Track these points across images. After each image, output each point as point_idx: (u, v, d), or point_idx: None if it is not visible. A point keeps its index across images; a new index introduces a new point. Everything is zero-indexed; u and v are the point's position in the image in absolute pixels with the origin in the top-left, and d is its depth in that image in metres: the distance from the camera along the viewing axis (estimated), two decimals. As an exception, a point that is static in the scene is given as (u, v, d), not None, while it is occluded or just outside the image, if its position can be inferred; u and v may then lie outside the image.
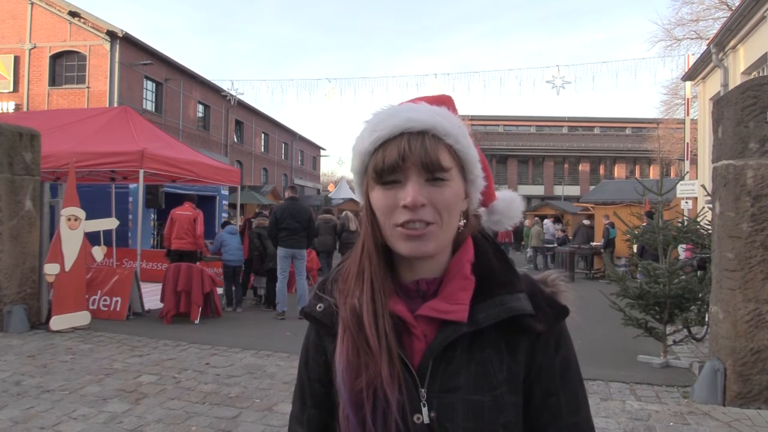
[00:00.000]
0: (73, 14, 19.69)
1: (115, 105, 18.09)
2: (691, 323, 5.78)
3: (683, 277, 5.72)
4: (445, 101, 0.84)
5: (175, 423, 3.76)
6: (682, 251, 8.77)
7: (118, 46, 19.63)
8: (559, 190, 42.77)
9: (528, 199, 38.36)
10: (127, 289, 7.30)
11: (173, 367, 5.10)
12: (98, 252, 7.11)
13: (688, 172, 11.54)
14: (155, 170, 8.39)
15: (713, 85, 12.23)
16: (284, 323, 7.46)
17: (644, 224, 8.08)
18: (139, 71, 21.16)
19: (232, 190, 15.40)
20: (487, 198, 0.90)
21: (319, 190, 46.52)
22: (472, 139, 0.83)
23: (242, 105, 28.82)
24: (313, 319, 0.86)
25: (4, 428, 3.59)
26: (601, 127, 45.28)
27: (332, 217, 11.69)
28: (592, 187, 28.83)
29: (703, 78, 13.07)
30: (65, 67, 20.11)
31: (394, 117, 0.78)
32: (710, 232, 5.45)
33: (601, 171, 44.97)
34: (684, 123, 14.27)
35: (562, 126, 45.77)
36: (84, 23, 19.73)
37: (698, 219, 6.52)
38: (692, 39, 21.23)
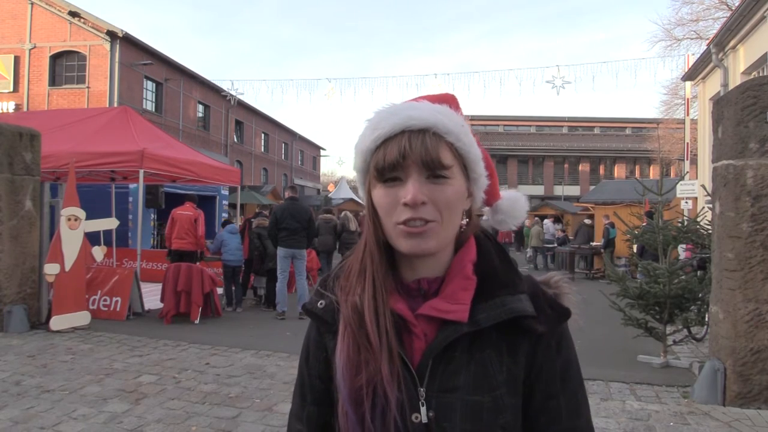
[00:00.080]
0: (73, 14, 19.69)
1: (115, 105, 18.09)
2: (691, 323, 5.77)
3: (683, 277, 5.72)
4: (447, 100, 0.84)
5: (175, 423, 3.76)
6: (682, 251, 8.77)
7: (118, 46, 19.63)
8: (559, 190, 42.75)
9: (528, 199, 38.27)
10: (127, 289, 7.30)
11: (173, 367, 5.10)
12: (98, 252, 7.11)
13: (688, 172, 11.54)
14: (155, 170, 8.39)
15: (713, 85, 12.23)
16: (284, 323, 7.46)
17: (644, 224, 8.08)
18: (139, 71, 21.16)
19: (232, 190, 15.40)
20: (492, 197, 0.90)
21: (319, 190, 46.52)
22: (476, 138, 0.83)
23: (242, 105, 28.81)
24: (315, 316, 0.86)
25: (4, 428, 3.59)
26: (601, 127, 45.27)
27: (333, 217, 11.69)
28: (592, 187, 28.82)
29: (703, 78, 13.06)
30: (65, 67, 20.12)
31: (395, 115, 0.78)
32: (710, 232, 5.45)
33: (601, 171, 44.96)
34: (684, 123, 14.27)
35: (562, 126, 45.76)
36: (84, 23, 19.74)
37: (698, 219, 6.53)
38: (692, 39, 21.25)
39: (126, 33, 19.57)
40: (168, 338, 6.23)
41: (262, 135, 36.06)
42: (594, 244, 14.80)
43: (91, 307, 7.00)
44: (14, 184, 6.50)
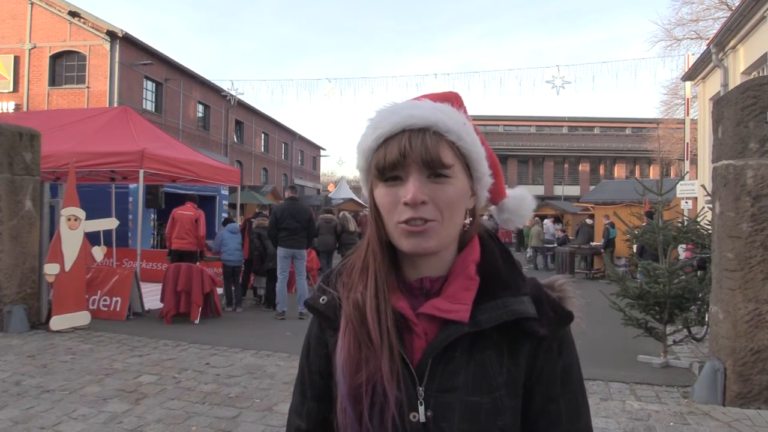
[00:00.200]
0: (73, 14, 19.69)
1: (115, 105, 18.09)
2: (691, 323, 5.78)
3: (683, 277, 5.72)
4: (450, 98, 0.83)
5: (175, 423, 3.76)
6: (682, 251, 8.77)
7: (118, 46, 19.63)
8: (559, 190, 42.73)
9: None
10: (127, 289, 7.30)
11: (173, 367, 5.10)
12: (98, 252, 7.11)
13: (688, 172, 11.54)
14: (155, 170, 8.39)
15: (713, 85, 12.23)
16: (284, 323, 7.46)
17: (644, 224, 8.08)
18: (139, 71, 21.16)
19: (232, 190, 15.39)
20: (497, 195, 0.89)
21: (319, 190, 46.52)
22: (480, 136, 0.83)
23: (242, 105, 28.81)
24: (316, 312, 0.86)
25: (4, 428, 3.59)
26: (601, 127, 45.26)
27: (333, 217, 11.68)
28: (592, 187, 28.83)
29: (703, 78, 13.06)
30: (65, 67, 20.12)
31: (395, 114, 0.78)
32: (710, 232, 5.44)
33: (601, 171, 44.95)
34: (684, 123, 14.27)
35: (562, 126, 45.75)
36: (84, 23, 19.73)
37: (698, 219, 6.52)
38: (692, 39, 21.25)
39: (126, 33, 19.57)
40: (168, 338, 6.23)
41: (262, 135, 36.06)
42: (594, 244, 14.80)
43: (91, 307, 7.00)
44: (14, 184, 6.50)
